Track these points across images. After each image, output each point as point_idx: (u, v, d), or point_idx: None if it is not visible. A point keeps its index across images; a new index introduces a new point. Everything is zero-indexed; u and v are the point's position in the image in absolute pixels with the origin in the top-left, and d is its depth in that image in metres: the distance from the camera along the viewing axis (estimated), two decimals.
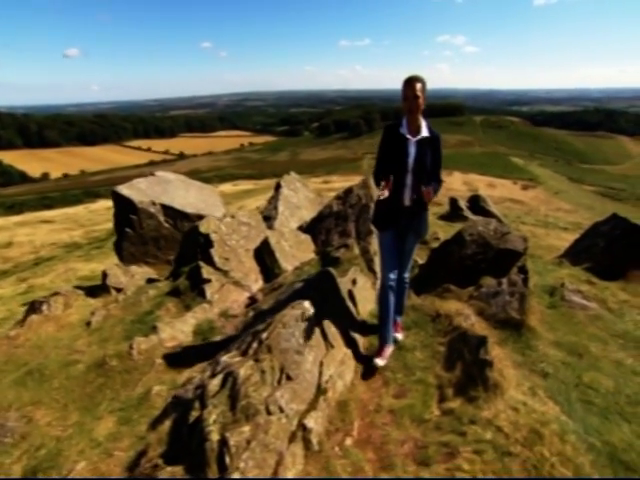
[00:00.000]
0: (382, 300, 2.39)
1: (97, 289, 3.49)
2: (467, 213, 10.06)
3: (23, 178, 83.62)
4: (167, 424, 1.60)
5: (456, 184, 22.03)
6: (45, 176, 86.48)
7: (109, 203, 23.61)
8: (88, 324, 2.70)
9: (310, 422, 1.76)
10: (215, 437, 1.39)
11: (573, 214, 16.89)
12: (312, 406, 1.86)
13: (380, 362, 2.30)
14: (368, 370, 2.29)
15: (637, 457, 1.68)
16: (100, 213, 17.99)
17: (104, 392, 2.03)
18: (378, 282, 3.28)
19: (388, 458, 1.80)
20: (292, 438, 1.66)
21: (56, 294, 2.99)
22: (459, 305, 2.97)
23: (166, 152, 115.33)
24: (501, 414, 1.89)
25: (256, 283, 3.38)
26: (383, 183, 2.13)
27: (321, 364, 2.06)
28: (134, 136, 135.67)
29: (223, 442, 1.38)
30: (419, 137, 2.24)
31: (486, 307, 2.91)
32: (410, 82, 2.15)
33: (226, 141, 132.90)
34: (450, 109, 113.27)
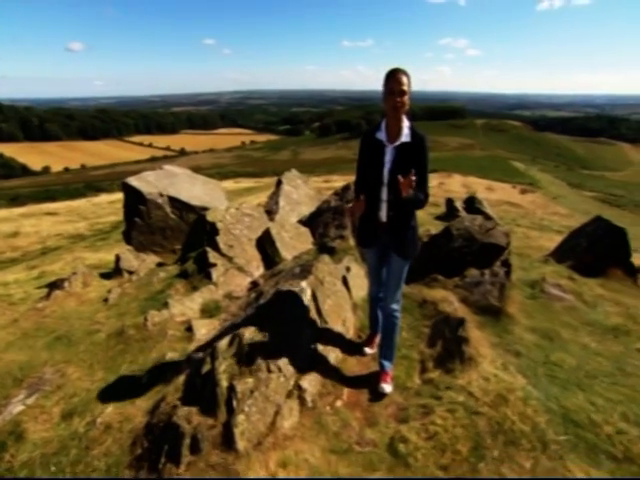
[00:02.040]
0: (370, 307, 2.44)
1: (110, 272, 3.76)
2: (463, 214, 10.32)
3: (24, 171, 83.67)
4: (182, 377, 1.86)
5: (455, 186, 22.28)
6: (46, 169, 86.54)
7: (111, 197, 23.86)
8: (106, 300, 2.96)
9: (305, 383, 2.01)
10: (224, 384, 1.65)
11: (569, 218, 17.15)
12: (307, 371, 2.12)
13: (369, 350, 2.42)
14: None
15: (585, 417, 1.95)
16: (103, 207, 18.22)
17: (124, 356, 2.28)
18: None
19: (373, 417, 2.05)
20: (289, 395, 1.92)
21: (75, 273, 3.24)
22: (444, 293, 3.24)
23: (167, 148, 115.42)
24: (474, 382, 2.15)
25: (257, 270, 3.64)
26: (356, 198, 1.97)
27: (315, 337, 2.31)
28: (136, 132, 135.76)
29: (231, 388, 1.63)
30: (398, 143, 1.90)
31: (469, 295, 3.17)
32: (395, 74, 1.81)
33: (228, 139, 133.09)
34: (451, 112, 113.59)
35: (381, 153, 1.94)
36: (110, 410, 1.79)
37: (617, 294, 4.09)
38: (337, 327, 2.56)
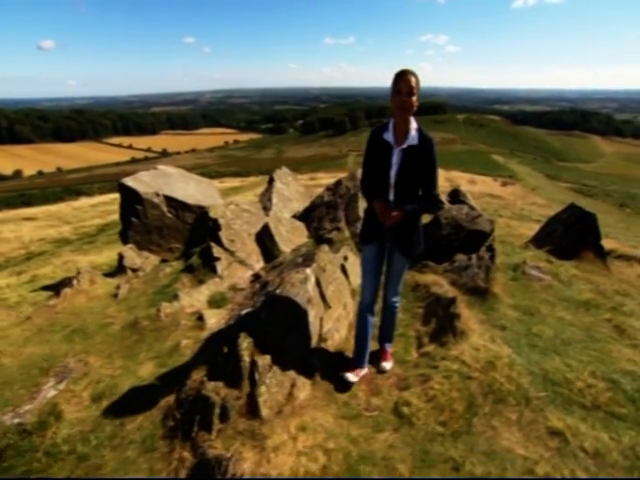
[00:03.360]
0: (358, 323, 2.20)
1: (113, 271, 3.83)
2: (447, 206, 10.72)
3: None
4: (204, 358, 2.01)
5: (439, 180, 22.91)
6: (18, 173, 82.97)
7: (93, 200, 23.27)
8: (115, 296, 3.05)
9: (315, 360, 2.21)
10: (247, 359, 1.82)
11: (546, 208, 17.95)
12: (315, 349, 2.31)
13: (351, 378, 2.10)
14: (340, 385, 2.08)
15: (561, 377, 2.23)
16: (85, 210, 17.81)
17: (140, 345, 2.41)
18: None
19: (377, 388, 2.27)
20: (300, 371, 2.11)
21: (80, 273, 3.31)
22: (435, 277, 3.49)
23: (148, 149, 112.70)
24: (465, 352, 2.39)
25: (258, 263, 3.79)
26: (376, 202, 1.92)
27: (321, 319, 2.51)
28: (114, 133, 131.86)
29: (253, 363, 1.81)
30: (405, 145, 1.87)
31: (458, 278, 3.43)
32: (404, 75, 1.79)
33: (210, 139, 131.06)
34: (433, 107, 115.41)
35: (388, 155, 1.90)
36: (136, 391, 1.93)
37: (589, 274, 4.46)
38: (339, 310, 2.76)
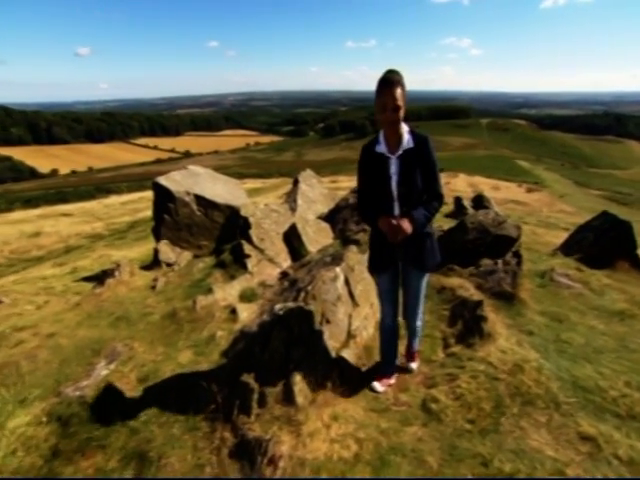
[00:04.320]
0: (381, 338, 2.21)
1: (148, 265, 4.07)
2: (471, 212, 10.57)
3: (32, 174, 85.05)
4: (239, 347, 2.14)
5: (461, 185, 22.47)
6: (54, 172, 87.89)
7: (122, 198, 24.31)
8: (153, 287, 3.26)
9: (345, 354, 2.30)
10: (281, 350, 1.93)
11: (575, 216, 17.24)
12: (345, 345, 2.41)
13: (379, 387, 2.12)
14: (368, 386, 2.11)
15: (593, 384, 2.21)
16: (115, 208, 18.66)
17: (178, 334, 2.58)
18: None
19: (404, 384, 2.33)
20: (332, 364, 2.20)
21: (120, 265, 3.55)
22: (461, 281, 3.50)
23: (172, 150, 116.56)
24: (492, 354, 2.41)
25: (285, 261, 3.93)
26: (383, 221, 1.76)
27: (350, 316, 2.60)
28: (140, 134, 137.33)
29: (288, 353, 1.92)
30: (400, 152, 1.77)
31: (483, 282, 3.43)
32: (388, 87, 1.66)
33: (232, 140, 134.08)
34: (455, 112, 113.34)
35: (385, 167, 1.79)
36: (177, 375, 2.09)
37: (623, 284, 4.31)
38: (367, 309, 2.84)
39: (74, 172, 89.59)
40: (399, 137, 1.79)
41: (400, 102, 1.69)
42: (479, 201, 12.09)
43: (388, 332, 2.14)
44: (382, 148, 1.81)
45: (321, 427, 1.79)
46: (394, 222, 1.74)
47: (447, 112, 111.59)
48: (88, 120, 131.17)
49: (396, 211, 1.82)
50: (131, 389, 2.01)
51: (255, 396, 1.81)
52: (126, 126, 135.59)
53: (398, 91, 1.67)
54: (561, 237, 9.71)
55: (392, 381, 2.25)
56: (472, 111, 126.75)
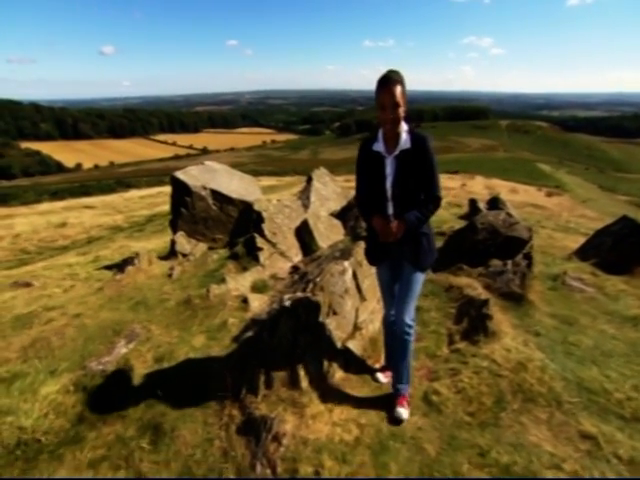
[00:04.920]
0: (385, 331, 2.26)
1: (165, 255, 4.26)
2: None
3: (59, 168, 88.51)
4: (250, 333, 2.25)
5: (477, 188, 22.06)
6: (78, 166, 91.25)
7: (141, 192, 25.03)
8: (169, 276, 3.43)
9: (351, 345, 2.37)
10: (289, 337, 2.02)
11: (597, 221, 16.65)
12: (351, 336, 2.48)
13: (382, 379, 2.20)
14: (371, 377, 2.16)
15: (598, 386, 2.21)
16: (134, 201, 19.27)
17: (193, 320, 2.72)
18: None
19: None
20: (338, 352, 2.28)
21: (139, 254, 3.74)
22: (469, 280, 3.51)
23: (190, 147, 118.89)
24: (496, 352, 2.44)
25: (297, 256, 4.03)
26: (376, 220, 1.78)
27: (357, 309, 2.67)
28: (160, 130, 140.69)
29: (295, 340, 2.01)
30: (397, 152, 1.75)
31: (492, 283, 3.43)
32: (387, 86, 1.64)
33: (248, 138, 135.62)
34: (474, 112, 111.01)
35: (381, 165, 1.78)
36: (191, 357, 2.21)
37: None
38: (374, 304, 2.90)
39: (97, 166, 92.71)
40: (397, 136, 1.76)
41: (399, 100, 1.66)
42: (494, 203, 11.88)
43: (390, 326, 2.14)
44: (380, 147, 1.80)
45: (324, 410, 1.88)
46: (386, 224, 1.75)
47: (466, 113, 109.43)
48: (111, 116, 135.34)
49: (390, 211, 1.82)
50: (147, 367, 2.15)
51: (262, 378, 1.91)
52: (146, 122, 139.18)
53: (397, 89, 1.65)
54: (579, 242, 9.45)
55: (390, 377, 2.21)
56: (491, 112, 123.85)
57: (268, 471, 1.51)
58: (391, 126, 1.73)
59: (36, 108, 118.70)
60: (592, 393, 2.17)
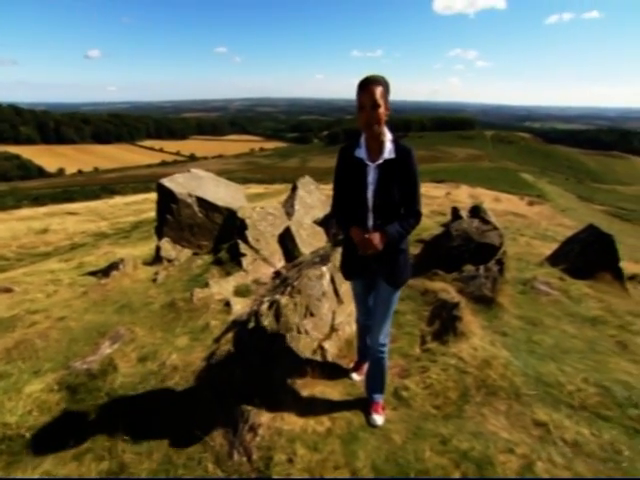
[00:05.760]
0: (358, 332, 2.33)
1: (150, 261, 4.32)
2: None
3: (40, 173, 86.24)
4: (230, 334, 2.36)
5: (462, 196, 22.69)
6: (60, 171, 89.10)
7: (126, 199, 24.74)
8: (154, 280, 3.49)
9: (327, 345, 2.50)
10: (267, 336, 2.14)
11: (573, 230, 17.36)
12: (327, 337, 2.61)
13: (355, 377, 2.31)
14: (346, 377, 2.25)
15: (553, 379, 2.40)
16: (120, 208, 19.03)
17: (176, 322, 2.80)
18: None
19: None
20: (314, 352, 2.41)
21: (124, 259, 3.79)
22: (444, 285, 3.71)
23: (177, 153, 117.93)
24: (464, 351, 2.61)
25: (279, 262, 4.15)
26: (354, 231, 1.69)
27: (334, 312, 2.81)
28: (147, 136, 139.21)
29: (273, 338, 2.13)
30: (381, 161, 1.66)
31: (465, 287, 3.64)
32: (367, 86, 1.57)
33: (236, 145, 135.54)
34: (460, 123, 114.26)
35: (362, 173, 1.68)
36: (175, 357, 2.30)
37: (603, 294, 4.50)
38: (351, 307, 3.05)
39: (80, 172, 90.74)
40: (381, 144, 1.67)
41: (379, 100, 1.57)
42: (476, 212, 12.30)
43: (362, 329, 2.23)
44: (362, 153, 1.70)
45: (299, 405, 2.00)
46: (366, 235, 1.66)
47: (452, 123, 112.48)
48: (95, 121, 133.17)
49: (370, 222, 1.72)
50: (131, 366, 2.23)
51: (241, 375, 2.02)
52: (132, 128, 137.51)
53: (377, 89, 1.57)
54: (554, 249, 9.88)
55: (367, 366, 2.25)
56: (477, 123, 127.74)
57: (244, 459, 1.61)
58: (371, 130, 1.62)
59: (16, 111, 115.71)
60: (548, 386, 2.37)
